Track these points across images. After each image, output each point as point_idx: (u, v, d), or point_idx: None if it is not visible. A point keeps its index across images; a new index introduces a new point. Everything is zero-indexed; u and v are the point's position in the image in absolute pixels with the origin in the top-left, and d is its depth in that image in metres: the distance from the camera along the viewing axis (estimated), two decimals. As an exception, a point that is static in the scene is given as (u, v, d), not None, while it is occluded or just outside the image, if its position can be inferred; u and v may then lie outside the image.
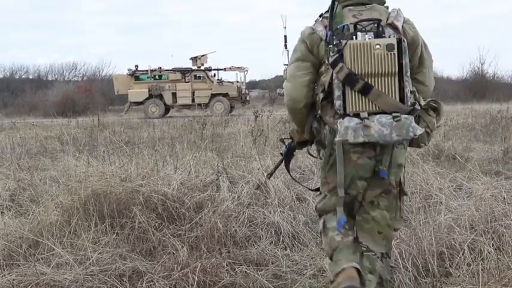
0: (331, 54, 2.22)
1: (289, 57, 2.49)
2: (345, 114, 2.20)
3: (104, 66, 56.89)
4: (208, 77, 24.09)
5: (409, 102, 2.22)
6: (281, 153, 2.83)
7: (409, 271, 2.85)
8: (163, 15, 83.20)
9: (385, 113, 2.18)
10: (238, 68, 24.66)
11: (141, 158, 5.40)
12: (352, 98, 2.20)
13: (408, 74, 2.23)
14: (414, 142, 2.33)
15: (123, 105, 25.57)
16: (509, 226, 3.20)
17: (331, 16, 2.30)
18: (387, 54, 2.17)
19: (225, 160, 5.52)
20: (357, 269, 2.25)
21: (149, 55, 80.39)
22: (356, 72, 2.18)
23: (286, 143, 2.75)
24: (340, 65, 2.19)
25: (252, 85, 40.56)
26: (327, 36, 2.29)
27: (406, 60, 2.21)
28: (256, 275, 3.03)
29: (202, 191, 4.40)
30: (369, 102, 2.19)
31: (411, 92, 2.26)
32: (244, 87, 24.58)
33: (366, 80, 2.18)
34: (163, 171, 4.85)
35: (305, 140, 2.59)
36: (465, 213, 3.47)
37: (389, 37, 2.22)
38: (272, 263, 3.30)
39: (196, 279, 2.92)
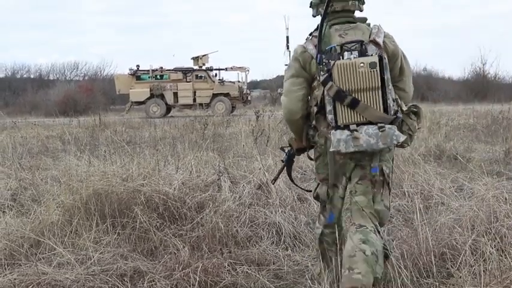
0: (321, 73, 2.47)
1: (285, 72, 2.74)
2: (336, 126, 2.45)
3: (105, 66, 56.89)
4: (209, 76, 24.07)
5: (392, 111, 2.45)
6: (282, 161, 3.05)
7: (410, 271, 2.85)
8: (163, 15, 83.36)
9: (371, 123, 2.42)
10: (240, 68, 24.64)
11: (142, 158, 5.41)
12: (342, 111, 2.44)
13: (390, 86, 2.48)
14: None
15: (124, 105, 25.57)
16: (511, 227, 3.19)
17: (319, 38, 2.51)
18: (371, 71, 2.41)
19: (227, 160, 5.52)
20: None
21: (149, 55, 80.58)
22: (344, 89, 2.42)
23: (286, 151, 2.96)
24: (330, 83, 2.43)
25: (253, 85, 40.65)
26: (317, 56, 2.52)
27: (387, 75, 2.45)
28: (257, 275, 3.03)
29: (204, 191, 4.41)
30: (357, 115, 2.43)
31: (394, 99, 2.50)
32: (245, 87, 24.57)
33: (353, 95, 2.42)
34: (164, 171, 4.85)
35: (303, 147, 2.83)
36: (467, 214, 3.46)
37: (371, 55, 2.44)
38: (273, 263, 3.31)
39: (197, 279, 2.92)
